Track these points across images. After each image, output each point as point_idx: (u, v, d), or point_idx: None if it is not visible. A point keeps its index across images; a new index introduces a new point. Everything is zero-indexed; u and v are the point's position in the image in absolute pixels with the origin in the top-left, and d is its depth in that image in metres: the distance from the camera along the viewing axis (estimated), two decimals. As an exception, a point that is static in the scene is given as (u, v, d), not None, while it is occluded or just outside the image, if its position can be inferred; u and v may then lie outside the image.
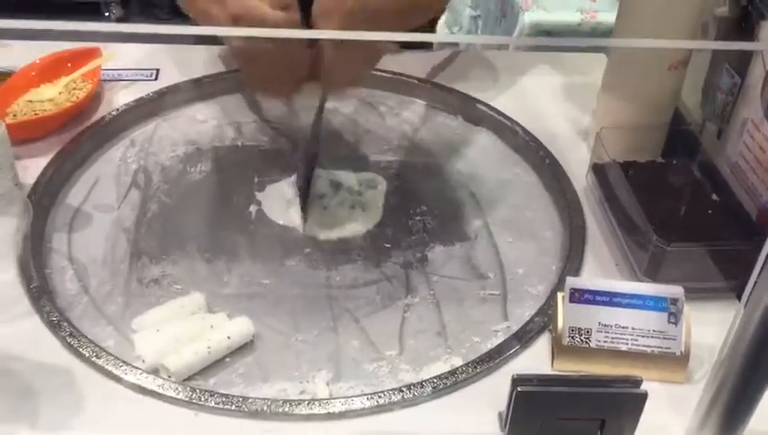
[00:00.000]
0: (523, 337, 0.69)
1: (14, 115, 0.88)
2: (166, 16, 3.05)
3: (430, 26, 1.16)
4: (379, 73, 1.00)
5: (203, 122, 0.96)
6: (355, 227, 0.82)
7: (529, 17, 1.69)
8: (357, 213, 0.83)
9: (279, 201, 0.85)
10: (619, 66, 0.85)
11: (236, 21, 0.72)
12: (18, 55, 0.97)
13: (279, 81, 0.81)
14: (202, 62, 1.03)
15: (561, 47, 1.08)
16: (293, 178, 0.87)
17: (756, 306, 0.52)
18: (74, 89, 0.93)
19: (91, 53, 0.97)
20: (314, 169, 0.87)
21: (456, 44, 1.33)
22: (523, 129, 0.94)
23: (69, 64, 0.96)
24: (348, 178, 0.87)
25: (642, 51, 0.79)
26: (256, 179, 0.88)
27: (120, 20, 3.15)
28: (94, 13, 3.10)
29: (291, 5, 0.73)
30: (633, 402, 0.57)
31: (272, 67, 0.77)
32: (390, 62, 1.01)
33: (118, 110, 0.93)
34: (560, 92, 1.02)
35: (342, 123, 0.97)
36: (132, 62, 1.02)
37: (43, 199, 0.81)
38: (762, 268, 0.51)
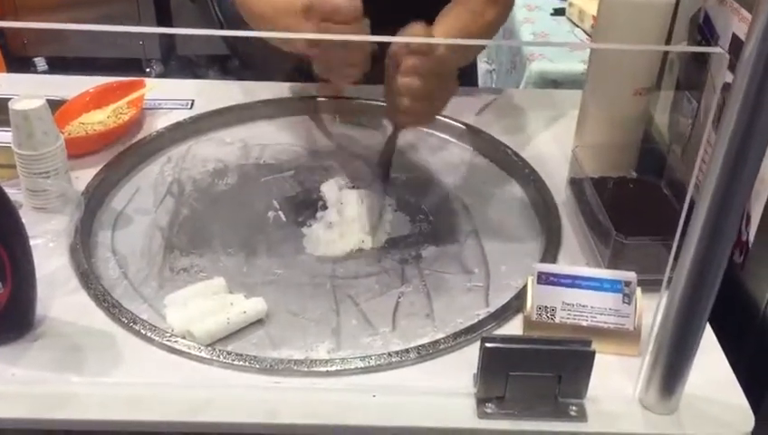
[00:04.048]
0: (499, 316, 0.79)
1: (69, 133, 1.02)
2: (203, 73, 3.25)
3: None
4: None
5: (230, 144, 1.09)
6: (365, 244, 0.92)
7: (535, 67, 1.83)
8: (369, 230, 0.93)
9: (294, 211, 0.97)
10: (592, 93, 0.97)
11: (308, 9, 0.84)
12: (73, 86, 1.12)
13: (347, 67, 0.91)
14: (230, 94, 1.17)
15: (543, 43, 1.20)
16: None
17: (677, 286, 0.63)
18: (120, 114, 1.08)
19: (137, 85, 1.12)
20: (384, 193, 0.99)
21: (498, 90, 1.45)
22: (513, 151, 1.06)
23: (117, 94, 1.10)
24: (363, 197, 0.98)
25: (611, 79, 0.91)
26: (275, 190, 1.00)
27: (159, 76, 3.35)
28: (136, 69, 3.31)
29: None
30: (584, 358, 0.67)
31: (340, 54, 0.89)
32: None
33: (157, 132, 1.07)
34: (551, 122, 1.14)
35: (354, 144, 1.10)
36: (171, 93, 1.16)
37: (92, 203, 0.94)
38: (676, 257, 0.62)
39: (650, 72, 0.93)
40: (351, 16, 0.82)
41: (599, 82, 0.96)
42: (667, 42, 0.93)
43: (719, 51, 0.53)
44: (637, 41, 0.90)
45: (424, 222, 0.96)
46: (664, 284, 0.65)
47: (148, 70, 3.34)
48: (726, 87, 0.85)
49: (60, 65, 3.17)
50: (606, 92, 0.95)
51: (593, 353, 0.67)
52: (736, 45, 0.83)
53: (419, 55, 0.85)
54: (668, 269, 0.64)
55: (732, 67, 0.84)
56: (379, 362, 0.73)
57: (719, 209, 0.58)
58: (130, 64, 3.32)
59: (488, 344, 0.67)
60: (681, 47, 0.88)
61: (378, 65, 0.90)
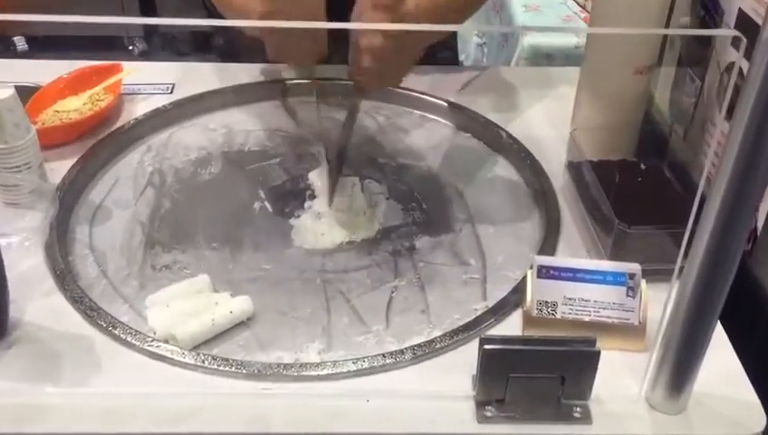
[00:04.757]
0: (497, 312, 0.76)
1: (43, 123, 0.98)
2: (186, 50, 3.18)
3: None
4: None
5: (213, 130, 1.05)
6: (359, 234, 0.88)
7: (528, 40, 1.78)
8: (360, 220, 0.90)
9: (282, 201, 0.93)
10: (590, 71, 0.92)
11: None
12: (47, 71, 1.07)
13: (302, 48, 0.87)
14: (213, 78, 1.12)
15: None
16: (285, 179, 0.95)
17: (688, 278, 0.59)
18: (97, 100, 1.03)
19: (113, 69, 1.07)
20: (342, 166, 0.92)
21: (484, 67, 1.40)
22: (507, 133, 1.01)
23: (93, 79, 1.05)
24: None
25: (609, 57, 0.87)
26: (261, 179, 0.96)
27: (142, 54, 3.28)
28: (119, 47, 3.23)
29: None
30: (588, 359, 0.64)
31: (294, 36, 0.84)
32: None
33: (136, 119, 1.02)
34: (547, 101, 1.10)
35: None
36: (150, 77, 1.11)
37: (68, 196, 0.89)
38: (688, 245, 0.59)
39: (651, 50, 0.89)
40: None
41: (597, 60, 0.92)
42: (669, 18, 0.89)
43: (735, 33, 0.49)
44: (636, 16, 0.86)
45: (417, 210, 0.92)
46: (674, 276, 0.61)
47: (131, 48, 3.26)
48: (731, 67, 0.81)
49: (40, 44, 3.09)
50: (605, 71, 0.91)
51: (598, 353, 0.63)
52: (743, 22, 0.79)
53: (383, 11, 0.80)
54: (680, 259, 0.60)
55: (738, 45, 0.81)
56: (372, 365, 0.69)
57: (734, 198, 0.54)
58: (113, 42, 3.25)
59: (487, 346, 0.63)
60: (693, 30, 0.83)
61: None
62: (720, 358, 0.71)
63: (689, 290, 0.60)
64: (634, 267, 0.72)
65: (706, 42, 0.86)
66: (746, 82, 0.49)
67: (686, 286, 0.60)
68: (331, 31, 0.83)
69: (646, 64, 0.88)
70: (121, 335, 0.71)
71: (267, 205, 0.92)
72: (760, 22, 0.76)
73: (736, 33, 0.49)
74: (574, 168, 0.90)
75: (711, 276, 0.59)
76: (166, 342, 0.72)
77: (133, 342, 0.71)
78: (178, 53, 3.20)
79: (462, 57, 2.36)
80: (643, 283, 0.72)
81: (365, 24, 0.81)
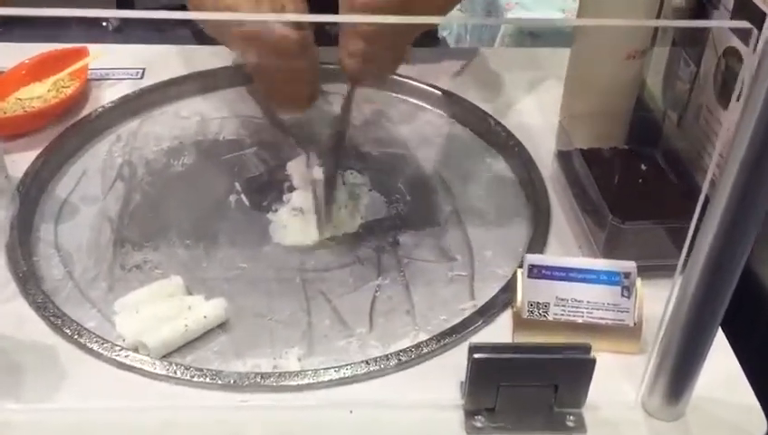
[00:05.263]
0: (486, 313, 0.72)
1: (4, 112, 0.92)
2: (163, 26, 3.09)
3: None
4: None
5: (187, 118, 1.00)
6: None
7: (512, 17, 1.73)
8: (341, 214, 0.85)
9: (259, 194, 0.88)
10: (580, 57, 0.88)
11: (249, 39, 0.75)
12: (9, 55, 1.01)
13: (294, 95, 0.82)
14: (186, 62, 1.06)
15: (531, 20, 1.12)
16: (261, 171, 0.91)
17: (691, 276, 0.56)
18: (62, 87, 0.97)
19: (79, 53, 1.01)
20: (339, 161, 0.88)
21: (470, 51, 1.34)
22: (494, 120, 0.97)
23: (57, 64, 1.00)
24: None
25: (600, 41, 0.83)
26: (237, 170, 0.91)
27: (117, 29, 3.20)
28: (92, 23, 3.14)
29: (305, 26, 0.75)
30: (583, 367, 0.60)
31: (287, 83, 0.80)
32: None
33: (104, 107, 0.97)
34: (535, 86, 1.06)
35: (322, 115, 1.00)
36: (119, 61, 1.06)
37: (32, 191, 0.84)
38: (692, 241, 0.55)
39: (644, 34, 0.85)
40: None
41: (587, 45, 0.87)
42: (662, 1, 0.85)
43: (747, 26, 0.46)
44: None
45: (400, 202, 0.88)
46: (676, 273, 0.57)
47: (105, 23, 3.18)
48: (729, 51, 0.77)
49: (8, 20, 2.99)
50: (595, 57, 0.86)
51: (593, 362, 0.60)
52: (742, 5, 0.75)
53: None
54: (682, 258, 0.57)
55: (736, 30, 0.77)
56: (355, 372, 0.66)
57: (742, 194, 0.50)
58: (86, 19, 3.15)
59: (477, 355, 0.59)
60: (699, 22, 0.79)
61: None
62: (718, 360, 0.68)
63: (691, 291, 0.57)
64: (629, 266, 0.69)
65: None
66: (759, 69, 0.44)
67: (688, 287, 0.57)
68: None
69: (638, 49, 0.84)
70: (88, 344, 0.67)
71: (244, 198, 0.88)
72: (759, 3, 0.72)
73: (747, 24, 0.45)
74: (564, 157, 0.86)
75: (715, 277, 0.55)
76: (135, 350, 0.68)
77: (100, 351, 0.66)
78: (155, 28, 3.11)
79: (445, 33, 2.31)
80: (638, 282, 0.68)
81: (347, 17, 0.76)
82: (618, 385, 0.66)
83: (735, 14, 0.76)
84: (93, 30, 3.05)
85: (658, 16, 0.86)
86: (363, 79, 0.83)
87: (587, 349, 0.60)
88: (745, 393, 0.66)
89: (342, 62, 0.80)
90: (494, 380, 0.61)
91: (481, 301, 0.75)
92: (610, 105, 0.87)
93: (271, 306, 0.74)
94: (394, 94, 1.05)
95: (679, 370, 0.61)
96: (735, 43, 0.75)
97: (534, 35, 1.75)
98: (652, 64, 0.94)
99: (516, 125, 0.97)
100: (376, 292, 0.77)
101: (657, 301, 0.69)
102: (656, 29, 0.88)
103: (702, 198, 0.53)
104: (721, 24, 0.73)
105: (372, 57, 0.79)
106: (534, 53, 1.13)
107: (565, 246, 0.81)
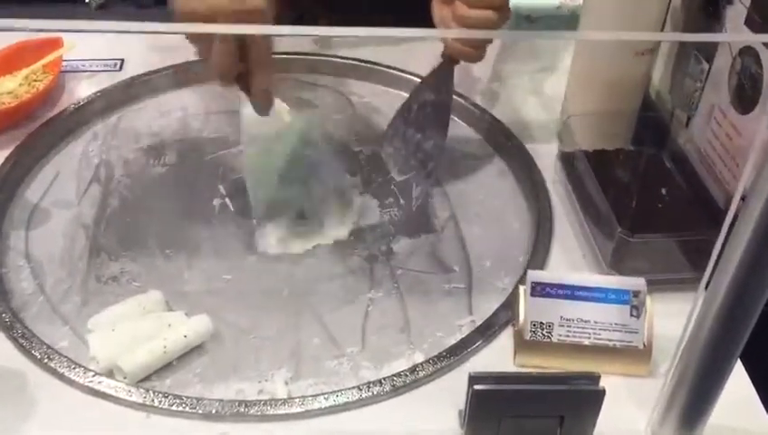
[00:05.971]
0: (485, 332, 0.68)
1: (-28, 109, 0.87)
2: (148, 3, 3.01)
3: None
4: (348, 62, 1.00)
5: (168, 114, 0.94)
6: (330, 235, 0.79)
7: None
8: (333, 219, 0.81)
9: (244, 197, 0.83)
10: (586, 53, 0.83)
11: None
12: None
13: (224, 69, 0.76)
14: (166, 52, 1.01)
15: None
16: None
17: (715, 294, 0.51)
18: (35, 80, 0.91)
19: (53, 44, 0.95)
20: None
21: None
22: (493, 118, 0.92)
23: (29, 56, 0.94)
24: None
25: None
26: (221, 171, 0.86)
27: (100, 7, 3.11)
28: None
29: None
30: (591, 399, 0.56)
31: (216, 55, 0.74)
32: (364, 52, 1.01)
33: (80, 102, 0.92)
34: (535, 80, 1.01)
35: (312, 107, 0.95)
36: (96, 52, 1.00)
37: (0, 196, 0.79)
38: (720, 255, 0.50)
39: (653, 29, 0.80)
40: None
41: (594, 40, 0.82)
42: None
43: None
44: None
45: (394, 207, 0.83)
46: (698, 294, 0.52)
47: (87, 1, 3.08)
48: (746, 51, 0.72)
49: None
50: (602, 53, 0.81)
51: (602, 393, 0.56)
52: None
53: None
54: (707, 274, 0.52)
55: (749, 23, 0.72)
56: (347, 400, 0.61)
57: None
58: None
59: (478, 386, 0.55)
60: (720, 36, 0.74)
61: None
62: (731, 383, 0.64)
63: (714, 311, 0.52)
64: (639, 284, 0.64)
65: (714, 21, 0.78)
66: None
67: (711, 306, 0.52)
68: None
69: (647, 46, 0.79)
70: (59, 369, 0.62)
71: (228, 202, 0.83)
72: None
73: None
74: (567, 159, 0.82)
75: (743, 296, 0.51)
76: (110, 374, 0.63)
77: (72, 377, 0.62)
78: (139, 5, 3.04)
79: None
80: (649, 301, 0.64)
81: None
82: (625, 411, 0.62)
83: (754, 8, 0.71)
84: (74, 5, 2.96)
85: (666, 11, 0.81)
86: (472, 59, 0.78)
87: (595, 379, 0.56)
88: (762, 421, 0.62)
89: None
90: (495, 412, 0.57)
91: (479, 316, 0.71)
92: (618, 104, 0.83)
93: (256, 322, 0.70)
94: (386, 88, 0.99)
95: (696, 397, 0.57)
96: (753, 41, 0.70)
97: (531, 19, 1.69)
98: (660, 61, 0.89)
99: (516, 122, 0.92)
100: (368, 306, 0.72)
101: (667, 317, 0.65)
102: (664, 24, 0.83)
103: (732, 212, 0.48)
104: (747, 38, 0.68)
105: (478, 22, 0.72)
106: (533, 43, 1.07)
107: (569, 255, 0.76)
